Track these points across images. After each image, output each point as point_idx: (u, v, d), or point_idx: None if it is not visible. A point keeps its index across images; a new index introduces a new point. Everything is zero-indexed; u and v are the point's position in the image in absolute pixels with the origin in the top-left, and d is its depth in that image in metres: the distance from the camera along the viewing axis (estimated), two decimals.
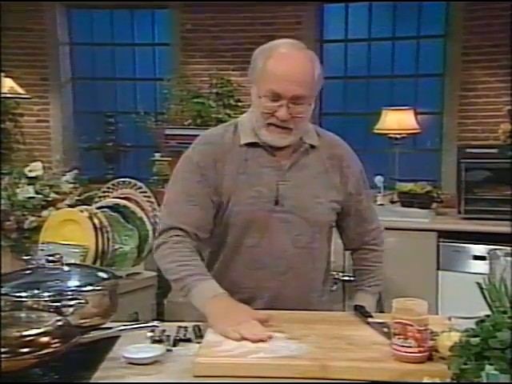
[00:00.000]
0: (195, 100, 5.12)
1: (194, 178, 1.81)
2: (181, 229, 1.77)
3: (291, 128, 1.77)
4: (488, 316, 1.24)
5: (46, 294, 1.56)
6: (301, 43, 1.82)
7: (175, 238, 1.77)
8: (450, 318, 1.65)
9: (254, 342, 1.48)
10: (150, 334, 1.60)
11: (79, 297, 1.57)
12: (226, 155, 1.82)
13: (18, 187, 2.88)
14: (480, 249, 3.93)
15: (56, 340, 1.36)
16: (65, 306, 1.54)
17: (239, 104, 5.08)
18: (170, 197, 1.86)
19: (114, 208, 2.74)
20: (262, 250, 1.81)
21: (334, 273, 3.53)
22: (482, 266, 3.72)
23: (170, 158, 4.76)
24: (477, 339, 1.16)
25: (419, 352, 1.37)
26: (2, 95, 4.93)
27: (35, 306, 1.53)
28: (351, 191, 1.90)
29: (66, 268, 1.72)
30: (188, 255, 1.75)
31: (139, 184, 2.86)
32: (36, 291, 1.57)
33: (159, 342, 1.57)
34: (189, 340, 1.59)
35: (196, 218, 1.79)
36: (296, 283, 1.84)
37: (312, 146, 1.86)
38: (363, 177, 1.96)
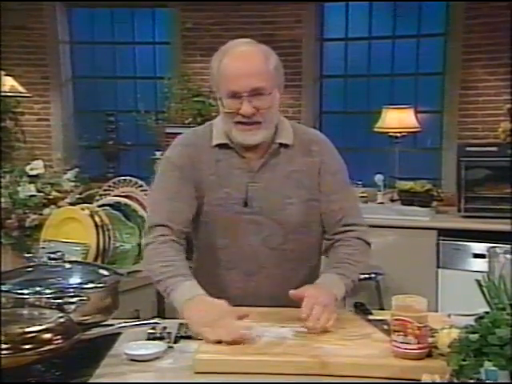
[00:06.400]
0: (195, 99, 5.13)
1: (175, 176, 1.82)
2: (166, 226, 1.76)
3: (260, 122, 1.76)
4: (487, 313, 1.24)
5: (48, 291, 1.57)
6: (253, 41, 1.83)
7: (161, 237, 1.75)
8: (449, 315, 1.67)
9: (229, 343, 1.46)
10: (150, 331, 1.60)
11: (81, 294, 1.58)
12: (201, 156, 1.83)
13: (20, 185, 2.88)
14: (480, 247, 3.94)
15: (58, 337, 1.37)
16: (66, 303, 1.56)
17: None
18: (153, 196, 1.90)
19: (115, 206, 2.74)
20: (234, 250, 1.82)
21: None
22: (481, 264, 3.72)
23: None
24: (476, 336, 1.17)
25: (419, 349, 1.38)
26: (3, 94, 4.92)
27: (37, 303, 1.54)
28: (324, 189, 1.85)
29: (67, 265, 1.74)
30: (172, 255, 1.72)
31: (140, 182, 2.87)
32: (38, 288, 1.58)
33: (160, 339, 1.57)
34: (189, 337, 1.60)
35: (180, 214, 1.79)
36: (269, 283, 1.83)
37: (285, 145, 1.84)
38: (342, 176, 1.90)
